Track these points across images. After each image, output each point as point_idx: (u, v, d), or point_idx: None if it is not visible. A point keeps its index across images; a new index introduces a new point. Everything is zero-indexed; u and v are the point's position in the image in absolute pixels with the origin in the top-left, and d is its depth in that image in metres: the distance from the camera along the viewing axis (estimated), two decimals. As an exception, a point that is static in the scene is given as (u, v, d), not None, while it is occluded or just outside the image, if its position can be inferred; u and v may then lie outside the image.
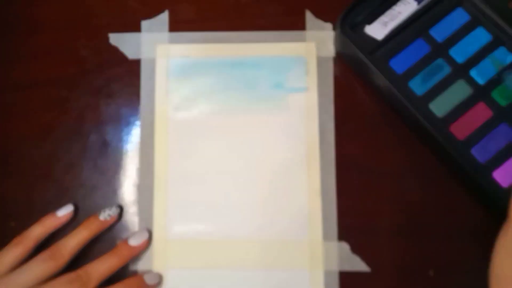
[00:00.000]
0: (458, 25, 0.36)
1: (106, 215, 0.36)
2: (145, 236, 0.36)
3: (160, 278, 0.36)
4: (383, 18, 0.37)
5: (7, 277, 0.32)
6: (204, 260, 0.37)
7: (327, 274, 0.36)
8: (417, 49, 0.36)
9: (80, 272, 0.33)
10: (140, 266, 0.37)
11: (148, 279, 0.35)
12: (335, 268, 0.36)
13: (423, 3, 0.36)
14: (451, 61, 0.35)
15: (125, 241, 0.35)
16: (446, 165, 0.37)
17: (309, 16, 0.39)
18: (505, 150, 0.34)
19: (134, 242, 0.35)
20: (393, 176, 0.37)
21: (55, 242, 0.34)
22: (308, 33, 0.39)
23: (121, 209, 0.37)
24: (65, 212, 0.36)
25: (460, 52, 0.36)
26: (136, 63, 0.39)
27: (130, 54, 0.40)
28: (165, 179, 0.38)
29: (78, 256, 0.35)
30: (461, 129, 0.34)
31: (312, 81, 0.39)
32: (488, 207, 0.36)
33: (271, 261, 0.36)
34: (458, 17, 0.36)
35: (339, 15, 0.36)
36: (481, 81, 0.35)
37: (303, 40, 0.39)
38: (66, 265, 0.34)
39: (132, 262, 0.37)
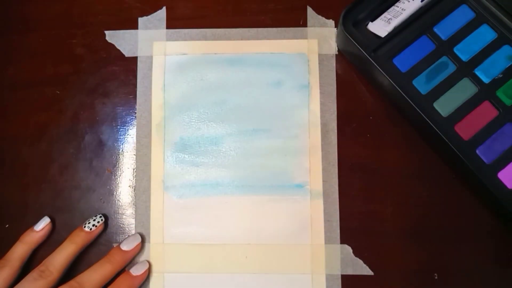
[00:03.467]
0: (463, 23, 0.36)
1: (91, 225, 0.35)
2: (137, 240, 0.35)
3: (146, 266, 0.35)
4: (386, 15, 0.36)
5: None
6: (203, 264, 0.36)
7: (329, 278, 0.35)
8: (421, 47, 0.35)
9: (73, 283, 0.32)
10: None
11: (134, 271, 0.34)
12: (337, 272, 0.35)
13: (426, 0, 0.35)
14: (456, 59, 0.35)
15: (118, 246, 0.35)
16: (450, 165, 0.36)
17: (310, 12, 0.39)
18: (510, 151, 0.33)
19: (126, 247, 0.35)
20: (397, 177, 0.37)
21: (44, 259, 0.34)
22: (309, 30, 0.38)
23: (105, 217, 0.36)
24: (42, 225, 0.35)
25: (465, 50, 0.35)
26: (133, 61, 0.39)
27: (127, 52, 0.39)
28: (162, 180, 0.37)
29: (76, 263, 0.35)
30: (466, 129, 0.34)
31: (314, 79, 0.38)
32: (493, 209, 0.35)
33: (271, 265, 0.36)
34: (463, 14, 0.36)
35: (341, 11, 0.35)
36: (486, 79, 0.34)
37: (304, 37, 0.38)
38: (58, 281, 0.33)
39: (129, 266, 0.36)
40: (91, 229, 0.35)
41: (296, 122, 0.37)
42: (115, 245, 0.36)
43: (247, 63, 0.38)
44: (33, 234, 0.35)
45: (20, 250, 0.34)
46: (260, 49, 0.38)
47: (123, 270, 0.35)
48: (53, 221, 0.36)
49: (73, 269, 0.35)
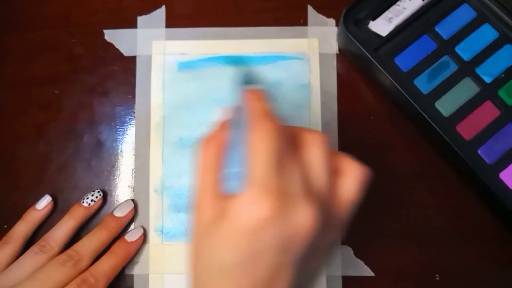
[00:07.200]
0: (464, 22, 0.36)
1: (89, 200, 0.35)
2: (130, 206, 0.36)
3: (140, 231, 0.36)
4: (387, 13, 0.36)
5: (2, 274, 0.32)
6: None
7: (330, 279, 0.35)
8: (423, 46, 0.35)
9: (70, 252, 0.33)
10: (136, 270, 0.36)
11: (129, 237, 0.35)
12: (338, 273, 0.35)
13: (428, -1, 0.35)
14: (457, 58, 0.35)
15: (111, 213, 0.35)
16: (452, 165, 0.36)
17: (311, 11, 0.39)
18: (512, 151, 0.33)
19: (119, 213, 0.35)
20: (398, 177, 0.36)
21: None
22: (310, 29, 0.38)
23: (104, 193, 0.37)
24: (44, 203, 0.36)
25: (466, 49, 0.35)
26: (132, 60, 0.38)
27: (126, 51, 0.39)
28: (161, 180, 0.37)
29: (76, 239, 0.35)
30: (467, 129, 0.34)
31: (314, 78, 0.38)
32: (495, 209, 0.35)
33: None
34: (464, 14, 0.36)
35: (342, 10, 0.35)
36: (487, 79, 0.34)
37: (305, 36, 0.38)
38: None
39: (128, 266, 0.36)
40: (89, 204, 0.35)
41: (296, 122, 0.37)
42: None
43: (247, 62, 0.38)
44: (35, 212, 0.35)
45: (22, 228, 0.34)
46: (260, 49, 0.38)
47: (119, 237, 0.35)
48: (53, 220, 0.36)
49: (72, 243, 0.35)
